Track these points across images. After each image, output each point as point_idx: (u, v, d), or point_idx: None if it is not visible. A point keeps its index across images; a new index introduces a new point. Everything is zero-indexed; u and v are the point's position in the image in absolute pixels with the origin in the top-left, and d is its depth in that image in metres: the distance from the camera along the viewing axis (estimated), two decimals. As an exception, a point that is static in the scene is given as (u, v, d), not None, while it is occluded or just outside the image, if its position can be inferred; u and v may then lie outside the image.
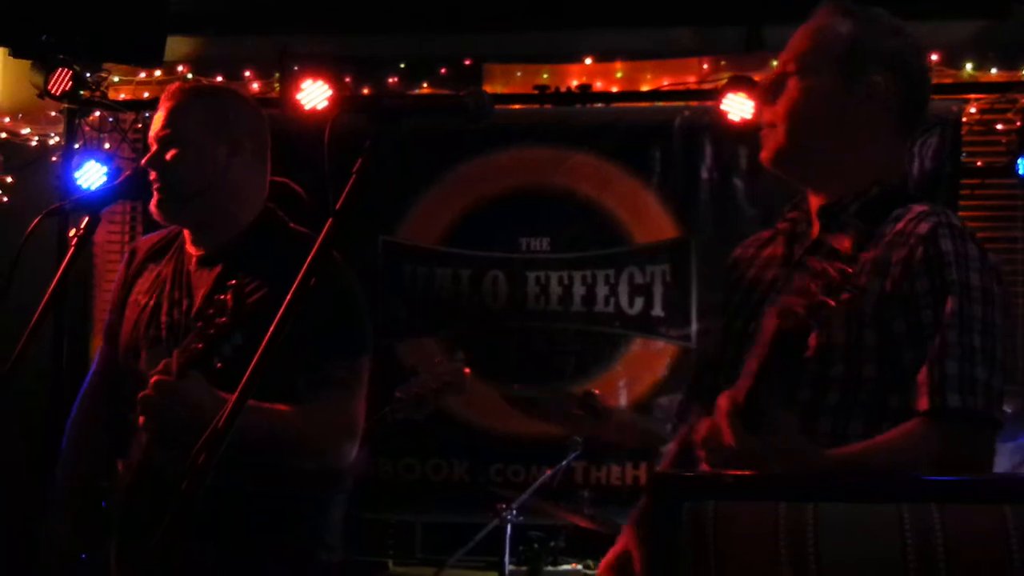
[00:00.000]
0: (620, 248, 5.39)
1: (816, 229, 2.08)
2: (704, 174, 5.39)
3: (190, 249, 2.67)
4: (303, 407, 2.48)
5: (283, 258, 2.37)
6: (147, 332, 2.61)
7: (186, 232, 2.69)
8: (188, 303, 2.59)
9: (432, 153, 5.32)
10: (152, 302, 2.64)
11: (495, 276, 5.45)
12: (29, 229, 2.38)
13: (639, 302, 5.36)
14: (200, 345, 2.25)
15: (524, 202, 5.45)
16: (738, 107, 4.99)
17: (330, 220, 1.80)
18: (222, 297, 2.21)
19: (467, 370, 3.64)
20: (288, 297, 1.77)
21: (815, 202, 2.11)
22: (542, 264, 5.43)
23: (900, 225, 1.95)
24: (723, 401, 1.83)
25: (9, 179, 5.63)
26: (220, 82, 5.36)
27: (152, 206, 2.60)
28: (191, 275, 2.63)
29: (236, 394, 1.75)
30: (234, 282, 2.20)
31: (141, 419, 2.36)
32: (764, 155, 2.09)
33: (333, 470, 2.64)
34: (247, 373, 1.76)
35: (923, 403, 1.81)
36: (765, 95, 2.10)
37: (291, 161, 2.87)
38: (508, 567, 4.21)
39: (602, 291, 5.37)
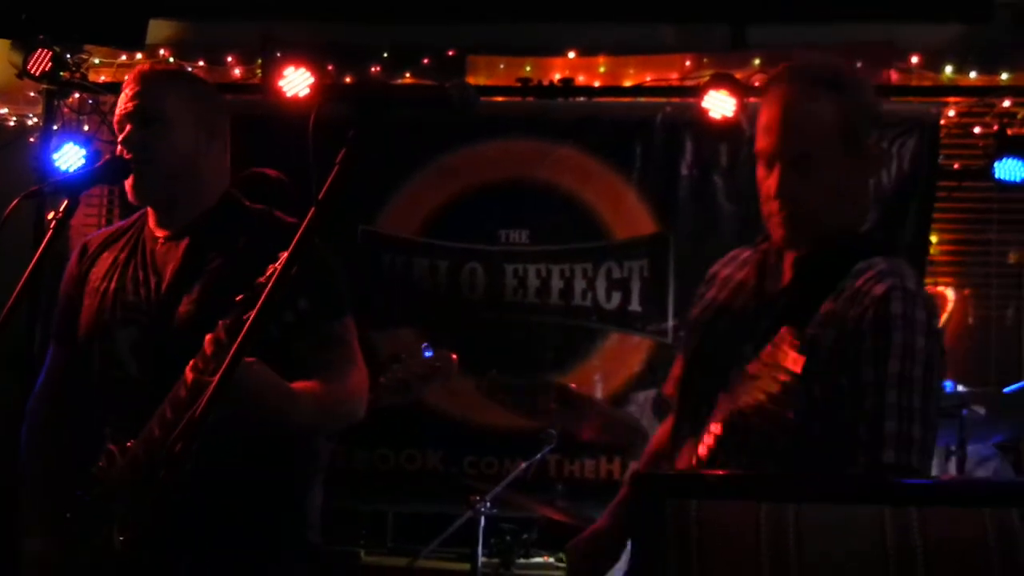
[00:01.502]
0: (599, 242, 5.40)
1: (787, 277, 2.15)
2: (684, 171, 5.40)
3: (153, 229, 2.65)
4: (328, 376, 2.49)
5: (245, 232, 2.53)
6: (114, 314, 2.59)
7: (151, 213, 2.67)
8: (156, 280, 2.58)
9: (414, 143, 5.30)
10: (113, 285, 2.62)
11: (473, 268, 5.44)
12: (7, 212, 2.36)
13: (616, 296, 5.36)
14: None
15: (504, 194, 5.44)
16: (719, 104, 5.00)
17: (312, 209, 1.80)
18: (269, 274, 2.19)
19: (454, 356, 3.61)
20: (270, 285, 1.77)
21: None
22: (520, 256, 5.43)
23: (859, 282, 2.04)
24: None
25: (-14, 159, 5.59)
26: (202, 67, 5.34)
27: (128, 185, 2.58)
28: (156, 253, 2.62)
29: (218, 376, 1.75)
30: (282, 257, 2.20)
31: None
32: (782, 237, 2.14)
33: (310, 448, 2.66)
34: (229, 356, 1.75)
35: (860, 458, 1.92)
36: (778, 190, 2.11)
37: (271, 146, 2.85)
38: (480, 559, 4.21)
39: (580, 285, 5.37)
